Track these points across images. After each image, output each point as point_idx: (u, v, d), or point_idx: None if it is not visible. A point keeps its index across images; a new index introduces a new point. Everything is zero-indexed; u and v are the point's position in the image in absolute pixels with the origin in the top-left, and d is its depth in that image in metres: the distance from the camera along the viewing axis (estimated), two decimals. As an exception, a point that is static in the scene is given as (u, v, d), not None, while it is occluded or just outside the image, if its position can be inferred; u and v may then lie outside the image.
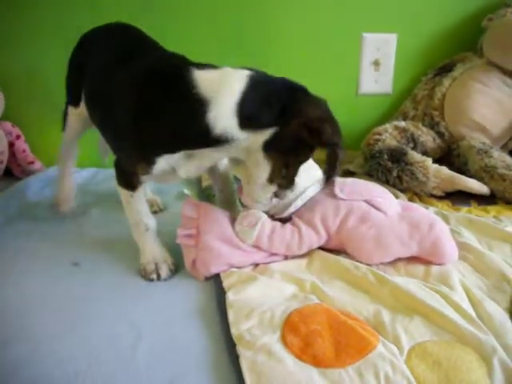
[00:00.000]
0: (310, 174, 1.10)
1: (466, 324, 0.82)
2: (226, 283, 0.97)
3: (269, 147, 0.91)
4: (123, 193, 1.06)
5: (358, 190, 1.09)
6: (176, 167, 0.98)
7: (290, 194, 1.05)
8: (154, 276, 1.03)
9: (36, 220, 1.36)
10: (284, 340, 0.80)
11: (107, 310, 0.93)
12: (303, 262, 1.05)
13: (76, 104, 1.29)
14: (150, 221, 1.09)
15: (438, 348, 0.78)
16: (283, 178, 0.97)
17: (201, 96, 0.88)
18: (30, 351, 0.82)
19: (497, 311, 0.87)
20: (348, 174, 1.60)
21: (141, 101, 0.95)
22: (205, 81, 0.89)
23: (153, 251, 1.07)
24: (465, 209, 1.34)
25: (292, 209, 1.08)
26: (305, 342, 0.79)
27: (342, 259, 1.03)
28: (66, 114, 1.36)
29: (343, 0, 1.73)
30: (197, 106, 0.88)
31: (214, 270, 1.01)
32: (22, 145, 1.72)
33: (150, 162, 0.95)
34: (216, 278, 1.00)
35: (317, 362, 0.75)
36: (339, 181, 1.10)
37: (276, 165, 0.94)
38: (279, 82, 0.93)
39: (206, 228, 1.03)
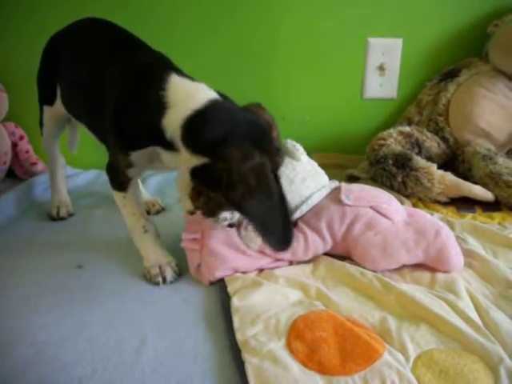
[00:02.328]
0: (315, 179, 1.10)
1: (473, 332, 0.82)
2: (230, 288, 0.96)
3: (195, 172, 0.88)
4: (117, 196, 1.08)
5: (364, 196, 1.08)
6: (152, 159, 1.00)
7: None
8: (160, 279, 1.03)
9: (39, 221, 1.36)
10: (289, 346, 0.79)
11: (111, 314, 0.92)
12: (308, 267, 1.05)
13: (51, 102, 1.31)
14: (148, 222, 1.09)
15: (445, 356, 0.78)
16: (204, 205, 0.92)
17: (164, 99, 0.90)
18: (35, 355, 0.81)
19: (503, 319, 0.86)
20: (352, 178, 1.60)
21: (122, 95, 0.98)
22: (175, 87, 0.92)
23: (155, 254, 1.06)
24: (469, 215, 1.33)
25: (297, 214, 1.07)
26: (310, 348, 0.78)
27: (347, 265, 1.02)
28: (41, 116, 1.37)
29: (348, 5, 1.72)
30: (159, 107, 0.90)
31: (218, 275, 1.00)
32: (25, 145, 1.72)
33: (126, 154, 0.98)
34: (221, 283, 1.00)
35: (322, 370, 0.75)
36: (345, 187, 1.10)
37: (194, 189, 0.92)
38: (233, 116, 0.88)
39: (211, 232, 1.03)
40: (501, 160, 1.44)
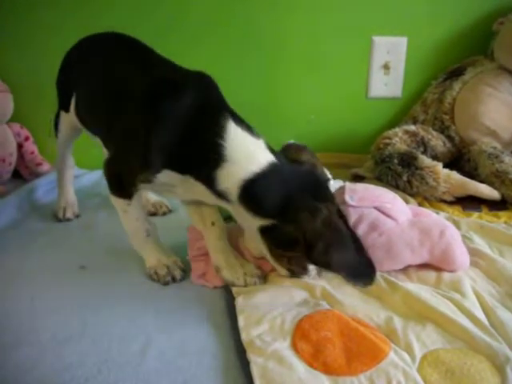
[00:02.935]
0: None
1: (479, 332, 0.81)
2: (235, 288, 0.96)
3: (265, 232, 0.91)
4: (119, 202, 1.03)
5: (368, 196, 1.08)
6: (176, 184, 0.97)
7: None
8: (169, 278, 1.02)
9: (44, 222, 1.36)
10: (295, 346, 0.79)
11: (115, 314, 0.92)
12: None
13: (66, 109, 1.29)
14: (150, 226, 1.07)
15: (451, 356, 0.77)
16: (290, 264, 0.94)
17: (223, 150, 0.89)
18: (39, 354, 0.81)
19: (510, 318, 0.86)
20: (357, 178, 1.59)
21: (168, 119, 0.92)
22: (235, 140, 0.90)
23: (160, 255, 1.05)
24: (475, 214, 1.32)
25: None
26: (315, 348, 0.78)
27: (353, 265, 1.01)
28: (57, 119, 1.36)
29: (353, 3, 1.72)
30: (215, 155, 0.89)
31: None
32: (30, 146, 1.72)
33: (155, 171, 0.94)
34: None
35: (328, 370, 0.74)
36: (349, 187, 1.09)
37: (272, 251, 0.93)
38: (295, 179, 0.90)
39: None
40: (507, 159, 1.43)
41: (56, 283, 1.04)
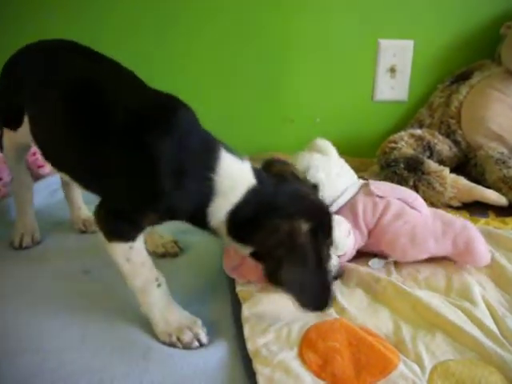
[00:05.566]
0: (348, 175, 1.13)
1: (490, 342, 0.80)
2: (241, 294, 0.94)
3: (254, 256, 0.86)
4: (119, 249, 0.87)
5: (392, 190, 1.12)
6: None
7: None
8: (196, 344, 0.85)
9: (46, 225, 1.34)
10: (302, 357, 0.78)
11: (118, 321, 0.91)
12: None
13: (15, 128, 1.11)
14: (159, 274, 0.90)
15: (462, 367, 0.76)
16: None
17: (213, 185, 0.83)
18: (41, 363, 0.80)
19: (520, 329, 0.85)
20: (363, 182, 1.58)
21: (164, 159, 0.82)
22: (226, 172, 0.84)
23: (177, 315, 0.89)
24: (482, 220, 1.31)
25: (334, 207, 1.07)
26: (323, 359, 0.77)
27: (362, 272, 1.00)
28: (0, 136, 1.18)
29: (360, 6, 1.70)
30: (207, 190, 0.83)
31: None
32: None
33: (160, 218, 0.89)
34: (231, 290, 0.98)
35: (336, 381, 0.73)
36: (373, 182, 1.12)
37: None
38: (268, 198, 0.83)
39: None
40: (514, 164, 1.41)
41: (59, 288, 1.02)
